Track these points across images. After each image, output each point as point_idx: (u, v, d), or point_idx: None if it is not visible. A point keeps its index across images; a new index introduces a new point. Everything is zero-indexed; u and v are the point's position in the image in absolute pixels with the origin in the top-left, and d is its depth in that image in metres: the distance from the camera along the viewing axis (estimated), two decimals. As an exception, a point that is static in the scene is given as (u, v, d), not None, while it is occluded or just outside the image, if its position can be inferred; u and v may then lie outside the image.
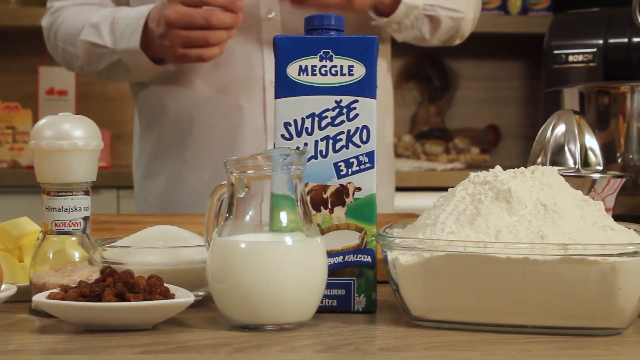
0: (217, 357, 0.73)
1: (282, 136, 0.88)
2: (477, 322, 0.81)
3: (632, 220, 0.90)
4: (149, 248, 0.93)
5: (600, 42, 1.58)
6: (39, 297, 0.82)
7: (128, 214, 1.89)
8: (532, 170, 0.86)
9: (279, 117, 0.89)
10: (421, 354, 0.75)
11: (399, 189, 1.98)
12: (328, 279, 0.84)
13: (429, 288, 0.81)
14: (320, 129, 0.88)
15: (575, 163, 1.12)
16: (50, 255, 0.89)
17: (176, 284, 0.85)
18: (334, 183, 0.88)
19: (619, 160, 1.26)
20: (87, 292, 0.81)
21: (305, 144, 0.88)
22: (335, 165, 0.88)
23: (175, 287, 0.84)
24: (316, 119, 0.88)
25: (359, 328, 0.83)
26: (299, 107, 0.88)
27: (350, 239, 0.89)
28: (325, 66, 0.88)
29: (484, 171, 0.87)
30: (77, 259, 0.89)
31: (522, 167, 0.87)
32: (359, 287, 0.89)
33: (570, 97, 1.33)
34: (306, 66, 0.88)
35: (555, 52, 1.62)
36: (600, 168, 1.13)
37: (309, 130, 0.88)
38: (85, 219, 0.89)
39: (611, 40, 1.58)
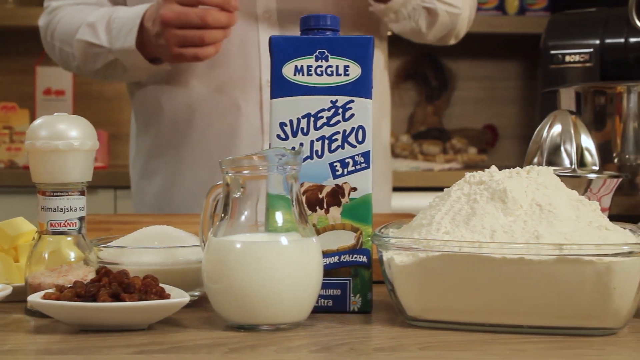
0: (212, 357, 0.73)
1: (278, 136, 0.88)
2: (472, 322, 0.81)
3: (628, 221, 0.90)
4: (145, 248, 0.93)
5: (597, 42, 1.58)
6: (34, 297, 0.82)
7: (125, 214, 1.89)
8: (527, 170, 0.86)
9: (275, 117, 0.88)
10: (416, 354, 0.75)
11: (396, 189, 1.98)
12: (324, 279, 0.84)
13: (424, 288, 0.81)
14: (316, 129, 0.88)
15: (571, 163, 1.12)
16: (46, 256, 0.89)
17: (172, 284, 0.85)
18: (330, 183, 0.88)
19: (615, 160, 1.26)
20: (83, 292, 0.81)
21: (301, 144, 0.88)
22: (331, 165, 0.88)
23: (171, 287, 0.84)
24: (312, 119, 0.88)
25: (354, 328, 0.83)
26: (294, 107, 0.88)
27: (346, 239, 0.89)
28: (321, 66, 0.88)
29: (479, 171, 0.87)
30: (72, 259, 0.89)
31: (517, 167, 0.87)
32: (354, 287, 0.89)
33: (567, 97, 1.34)
34: (302, 66, 0.88)
35: (552, 52, 1.62)
36: (597, 168, 1.13)
37: (305, 131, 0.88)
38: (81, 219, 0.89)
39: (608, 41, 1.58)
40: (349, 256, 0.89)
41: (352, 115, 0.88)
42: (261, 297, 0.80)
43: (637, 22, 1.36)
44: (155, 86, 1.65)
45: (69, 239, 0.89)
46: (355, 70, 0.88)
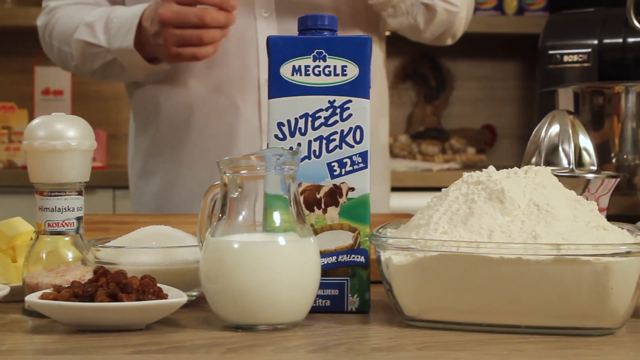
0: (210, 357, 0.73)
1: (276, 136, 0.88)
2: (470, 322, 0.81)
3: (626, 221, 0.90)
4: (143, 248, 0.93)
5: (595, 42, 1.58)
6: (32, 297, 0.82)
7: (123, 214, 1.89)
8: (525, 170, 0.86)
9: (273, 117, 0.88)
10: (414, 354, 0.75)
11: (395, 189, 1.98)
12: (321, 279, 0.84)
13: (422, 288, 0.81)
14: (314, 129, 0.88)
15: (569, 163, 1.12)
16: (44, 256, 0.89)
17: (169, 284, 0.85)
18: (328, 183, 0.88)
19: (614, 160, 1.26)
20: (80, 292, 0.81)
21: (299, 144, 0.88)
22: (329, 165, 0.88)
23: (169, 287, 0.84)
24: (309, 119, 0.88)
25: (352, 328, 0.83)
26: (292, 107, 0.88)
27: (344, 239, 0.89)
28: (319, 66, 0.88)
29: (477, 171, 0.87)
30: (70, 259, 0.89)
31: (515, 167, 0.87)
32: (352, 287, 0.89)
33: (565, 97, 1.34)
34: (299, 66, 0.88)
35: (550, 52, 1.62)
36: (595, 168, 1.13)
37: (303, 131, 0.88)
38: (79, 219, 0.89)
39: (606, 41, 1.58)
40: (347, 256, 0.89)
41: (350, 115, 0.88)
42: (259, 297, 0.80)
43: (635, 22, 1.36)
44: (154, 86, 1.65)
45: (66, 239, 0.89)
46: (353, 70, 0.88)
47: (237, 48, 1.58)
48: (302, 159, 0.88)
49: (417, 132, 3.16)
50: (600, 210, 0.88)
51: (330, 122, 0.88)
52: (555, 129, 1.13)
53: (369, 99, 0.88)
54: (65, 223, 0.88)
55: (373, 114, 0.89)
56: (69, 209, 0.88)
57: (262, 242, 0.82)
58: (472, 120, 3.23)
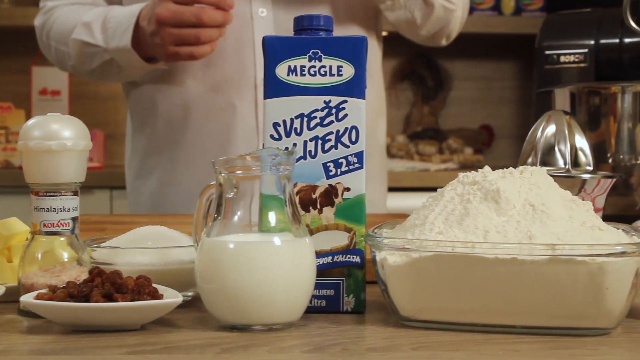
0: (205, 357, 0.73)
1: (271, 136, 0.88)
2: (465, 322, 0.81)
3: (622, 221, 0.90)
4: (138, 248, 0.93)
5: (592, 42, 1.58)
6: (27, 297, 0.82)
7: (120, 214, 1.89)
8: (521, 170, 0.86)
9: (268, 117, 0.88)
10: (409, 354, 0.75)
11: (392, 189, 1.98)
12: (317, 279, 0.84)
13: (417, 288, 0.81)
14: (309, 129, 0.88)
15: (565, 163, 1.12)
16: (39, 256, 0.89)
17: (165, 284, 0.85)
18: (323, 183, 0.88)
19: (610, 160, 1.26)
20: (75, 292, 0.81)
21: (294, 145, 0.88)
22: (324, 165, 0.88)
23: (164, 287, 0.84)
24: (305, 119, 0.88)
25: (347, 328, 0.83)
26: (288, 107, 0.88)
27: (339, 239, 0.89)
28: (314, 66, 0.88)
29: (472, 171, 0.87)
30: (65, 260, 0.89)
31: (510, 168, 0.87)
32: (347, 288, 0.89)
33: (562, 97, 1.34)
34: (295, 66, 0.88)
35: (547, 52, 1.63)
36: (591, 168, 1.13)
37: (298, 131, 0.88)
38: (74, 219, 0.89)
39: (602, 41, 1.58)
40: (342, 256, 0.89)
41: (346, 115, 0.88)
42: (254, 297, 0.80)
43: (632, 22, 1.36)
44: (151, 85, 1.65)
45: (62, 239, 0.89)
46: (348, 71, 0.88)
47: (234, 47, 1.58)
48: (298, 159, 0.88)
49: (414, 132, 3.16)
50: (596, 210, 0.88)
51: (325, 122, 0.88)
52: (551, 129, 1.13)
53: (364, 99, 0.88)
54: (61, 223, 0.88)
55: (371, 114, 0.89)
56: (64, 209, 0.88)
57: (258, 242, 0.82)
58: (469, 120, 3.23)
